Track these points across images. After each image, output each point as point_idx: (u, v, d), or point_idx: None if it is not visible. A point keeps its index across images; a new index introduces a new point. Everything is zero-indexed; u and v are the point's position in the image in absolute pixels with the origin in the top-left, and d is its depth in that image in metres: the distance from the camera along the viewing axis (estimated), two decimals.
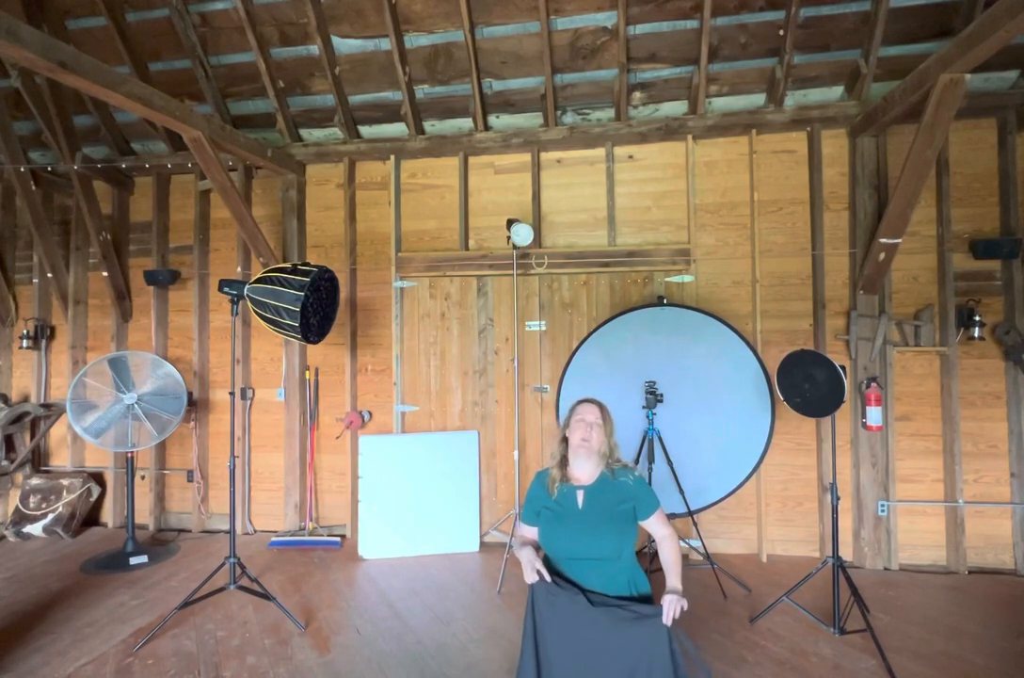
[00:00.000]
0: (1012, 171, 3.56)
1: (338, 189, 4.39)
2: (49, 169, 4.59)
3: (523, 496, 2.16)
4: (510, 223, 3.77)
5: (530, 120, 4.16)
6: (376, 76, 4.04)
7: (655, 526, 1.85)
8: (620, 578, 1.76)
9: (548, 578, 1.73)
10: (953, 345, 3.56)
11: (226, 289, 3.08)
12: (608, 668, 1.65)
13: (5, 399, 4.70)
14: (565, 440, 1.91)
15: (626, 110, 3.95)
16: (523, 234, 3.76)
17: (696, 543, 3.56)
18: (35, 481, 4.41)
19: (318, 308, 3.27)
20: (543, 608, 1.71)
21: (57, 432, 4.73)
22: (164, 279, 4.43)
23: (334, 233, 4.39)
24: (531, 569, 1.74)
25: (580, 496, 1.84)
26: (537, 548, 1.94)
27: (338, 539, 4.09)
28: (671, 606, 1.64)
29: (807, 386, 2.93)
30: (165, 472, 4.52)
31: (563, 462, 1.90)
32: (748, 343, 3.59)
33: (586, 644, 1.66)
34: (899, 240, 3.37)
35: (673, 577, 1.75)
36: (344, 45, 3.91)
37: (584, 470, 1.87)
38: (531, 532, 1.92)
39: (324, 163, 4.41)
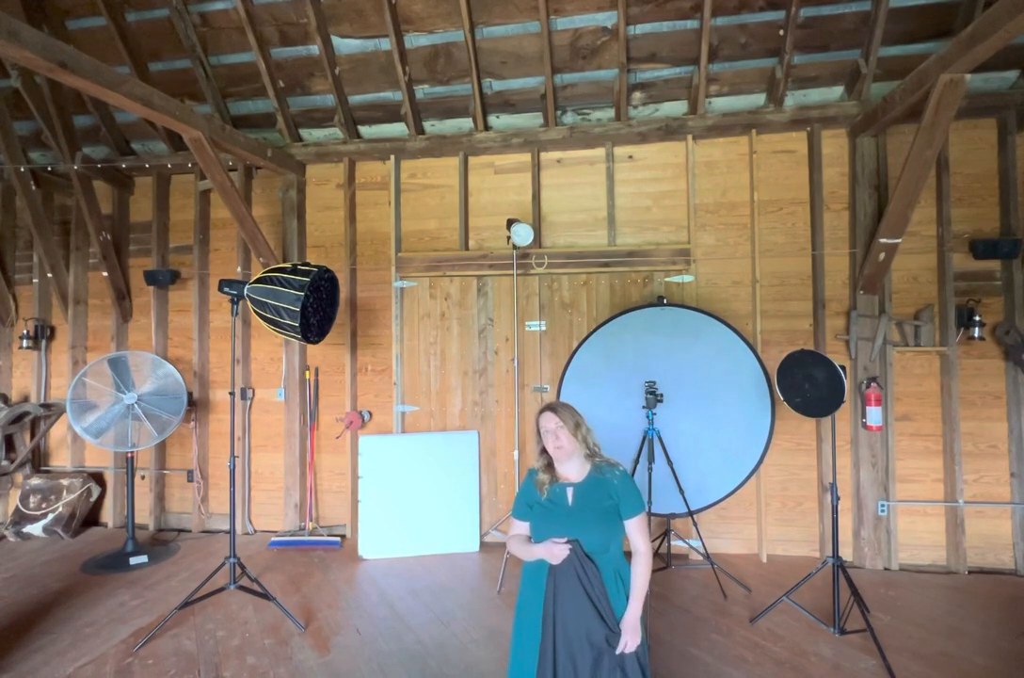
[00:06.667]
0: (1012, 171, 3.56)
1: (338, 189, 4.39)
2: (49, 169, 4.59)
3: None
4: (510, 223, 3.78)
5: (530, 120, 4.16)
6: (376, 76, 4.04)
7: (634, 533, 1.89)
8: (608, 569, 1.82)
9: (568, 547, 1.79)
10: (953, 345, 3.55)
11: (226, 289, 3.09)
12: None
13: (5, 399, 4.70)
14: (544, 450, 1.98)
15: (626, 110, 3.95)
16: (523, 234, 3.77)
17: (696, 543, 3.57)
18: (35, 481, 4.41)
19: (318, 308, 3.27)
20: (565, 576, 1.77)
21: (57, 432, 4.73)
22: (164, 279, 4.43)
23: (334, 233, 4.39)
24: (553, 547, 1.79)
25: (570, 493, 1.90)
26: None
27: (338, 539, 4.09)
28: (626, 643, 1.71)
29: (807, 386, 2.93)
30: (165, 472, 4.52)
31: (549, 467, 1.96)
32: (748, 343, 3.59)
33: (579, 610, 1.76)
34: (899, 240, 3.37)
35: (636, 602, 1.79)
36: (344, 45, 3.91)
37: (570, 469, 1.94)
38: (525, 528, 1.95)
39: (324, 163, 4.41)
